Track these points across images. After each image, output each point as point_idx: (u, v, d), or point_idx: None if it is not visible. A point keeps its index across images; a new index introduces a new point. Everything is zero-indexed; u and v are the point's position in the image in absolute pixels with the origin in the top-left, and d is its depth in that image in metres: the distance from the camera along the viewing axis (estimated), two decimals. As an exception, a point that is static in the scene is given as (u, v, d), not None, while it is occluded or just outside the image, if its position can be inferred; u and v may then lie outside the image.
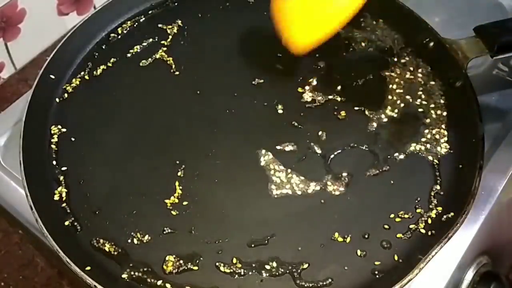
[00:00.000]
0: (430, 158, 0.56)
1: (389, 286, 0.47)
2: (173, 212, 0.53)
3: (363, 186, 0.54)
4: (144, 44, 0.66)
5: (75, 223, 0.53)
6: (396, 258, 0.50)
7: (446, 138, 0.57)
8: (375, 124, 0.58)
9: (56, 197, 0.54)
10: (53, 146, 0.58)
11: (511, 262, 0.67)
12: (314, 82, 0.62)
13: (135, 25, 0.68)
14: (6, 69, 0.72)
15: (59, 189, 0.55)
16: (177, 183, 0.55)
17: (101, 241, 0.51)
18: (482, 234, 0.54)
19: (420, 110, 0.59)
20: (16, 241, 0.63)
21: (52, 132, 0.59)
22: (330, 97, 0.61)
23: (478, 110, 0.56)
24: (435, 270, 0.51)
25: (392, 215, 0.52)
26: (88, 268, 0.48)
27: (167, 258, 0.50)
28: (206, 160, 0.56)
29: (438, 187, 0.54)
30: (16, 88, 0.72)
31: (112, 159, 0.57)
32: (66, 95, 0.62)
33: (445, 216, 0.51)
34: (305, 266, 0.50)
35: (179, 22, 0.68)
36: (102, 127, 0.59)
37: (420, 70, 0.62)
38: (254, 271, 0.49)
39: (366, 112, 0.59)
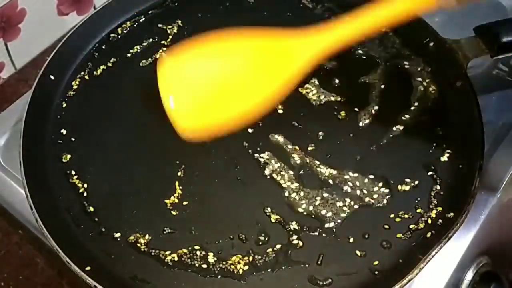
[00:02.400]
0: (431, 158, 0.56)
1: (389, 286, 0.47)
2: (173, 212, 0.53)
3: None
4: (144, 44, 0.66)
5: (75, 223, 0.53)
6: (396, 258, 0.50)
7: (446, 138, 0.57)
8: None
9: (56, 197, 0.54)
10: (53, 146, 0.58)
11: (511, 262, 0.67)
12: (315, 82, 0.62)
13: (135, 25, 0.68)
14: (6, 69, 0.72)
15: (60, 188, 0.55)
16: (177, 183, 0.55)
17: (101, 241, 0.51)
18: (482, 234, 0.54)
19: (420, 110, 0.59)
20: (16, 241, 0.63)
21: (52, 132, 0.59)
22: (330, 97, 0.61)
23: (478, 110, 0.56)
24: (435, 270, 0.51)
25: (392, 215, 0.52)
26: (88, 268, 0.48)
27: (167, 258, 0.50)
28: (206, 160, 0.56)
29: (438, 187, 0.54)
30: (16, 88, 0.72)
31: (112, 159, 0.57)
32: (66, 95, 0.62)
33: (445, 216, 0.51)
34: (305, 265, 0.50)
35: (179, 22, 0.68)
36: (102, 127, 0.59)
37: (420, 70, 0.62)
38: (254, 270, 0.49)
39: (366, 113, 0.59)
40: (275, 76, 0.53)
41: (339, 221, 0.52)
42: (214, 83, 0.52)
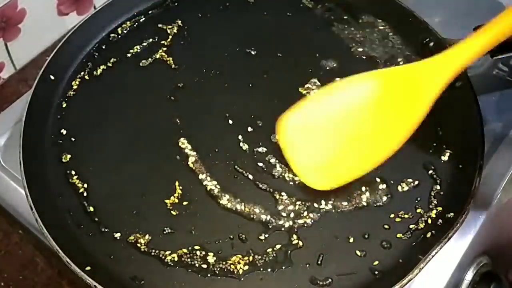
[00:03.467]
0: (431, 158, 0.56)
1: (389, 286, 0.47)
2: (173, 212, 0.53)
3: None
4: (144, 44, 0.66)
5: (75, 223, 0.53)
6: (396, 258, 0.50)
7: (446, 138, 0.57)
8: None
9: (56, 197, 0.54)
10: (53, 146, 0.58)
11: (511, 262, 0.67)
12: (315, 82, 0.62)
13: (135, 25, 0.68)
14: (6, 69, 0.72)
15: (60, 188, 0.55)
16: (177, 183, 0.55)
17: (101, 241, 0.51)
18: (482, 234, 0.54)
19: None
20: (16, 241, 0.63)
21: (52, 132, 0.59)
22: (330, 97, 0.61)
23: (478, 110, 0.56)
24: (435, 270, 0.51)
25: (392, 215, 0.52)
26: (88, 268, 0.48)
27: (167, 258, 0.50)
28: (206, 160, 0.56)
29: (438, 187, 0.54)
30: (16, 88, 0.72)
31: (112, 159, 0.57)
32: (66, 95, 0.62)
33: (445, 216, 0.51)
34: (305, 265, 0.50)
35: (179, 22, 0.68)
36: (102, 127, 0.59)
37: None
38: (254, 270, 0.49)
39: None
40: (405, 114, 0.51)
41: (339, 221, 0.52)
42: (341, 133, 0.51)
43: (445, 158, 0.56)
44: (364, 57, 0.64)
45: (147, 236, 0.52)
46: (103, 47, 0.66)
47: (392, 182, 0.54)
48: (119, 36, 0.67)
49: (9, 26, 0.68)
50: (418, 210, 0.52)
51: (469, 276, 0.54)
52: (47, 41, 0.74)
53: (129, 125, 0.60)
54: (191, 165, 0.56)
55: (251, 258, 0.50)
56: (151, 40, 0.66)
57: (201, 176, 0.55)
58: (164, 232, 0.52)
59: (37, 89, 0.59)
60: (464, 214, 0.50)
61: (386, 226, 0.52)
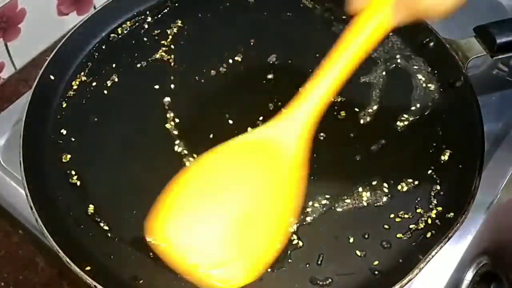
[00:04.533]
0: (431, 157, 0.56)
1: (389, 286, 0.47)
2: (173, 212, 0.53)
3: (363, 186, 0.54)
4: (144, 44, 0.66)
5: (75, 223, 0.53)
6: (396, 258, 0.50)
7: (446, 138, 0.57)
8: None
9: (56, 197, 0.54)
10: (53, 146, 0.58)
11: (511, 262, 0.67)
12: (314, 82, 0.62)
13: (135, 25, 0.68)
14: (6, 69, 0.72)
15: (60, 188, 0.55)
16: (177, 183, 0.55)
17: (101, 241, 0.51)
18: (482, 234, 0.54)
19: (420, 110, 0.59)
20: (16, 241, 0.62)
21: (52, 132, 0.59)
22: (330, 97, 0.61)
23: (478, 110, 0.56)
24: (435, 270, 0.51)
25: (392, 215, 0.52)
26: (88, 268, 0.48)
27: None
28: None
29: (438, 187, 0.54)
30: (16, 88, 0.71)
31: (112, 159, 0.57)
32: (66, 95, 0.62)
33: (445, 216, 0.51)
34: (305, 265, 0.50)
35: (179, 22, 0.68)
36: (102, 127, 0.59)
37: (420, 70, 0.62)
38: (254, 271, 0.49)
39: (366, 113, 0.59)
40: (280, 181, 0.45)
41: (339, 221, 0.52)
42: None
43: (445, 158, 0.56)
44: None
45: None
46: (103, 47, 0.66)
47: (392, 182, 0.54)
48: (119, 36, 0.67)
49: (9, 26, 0.68)
50: (418, 210, 0.52)
51: (469, 276, 0.54)
52: (47, 41, 0.74)
53: (129, 125, 0.60)
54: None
55: (251, 258, 0.50)
56: (151, 40, 0.66)
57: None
58: (164, 232, 0.52)
59: (37, 89, 0.59)
60: (464, 214, 0.50)
61: (386, 226, 0.52)
